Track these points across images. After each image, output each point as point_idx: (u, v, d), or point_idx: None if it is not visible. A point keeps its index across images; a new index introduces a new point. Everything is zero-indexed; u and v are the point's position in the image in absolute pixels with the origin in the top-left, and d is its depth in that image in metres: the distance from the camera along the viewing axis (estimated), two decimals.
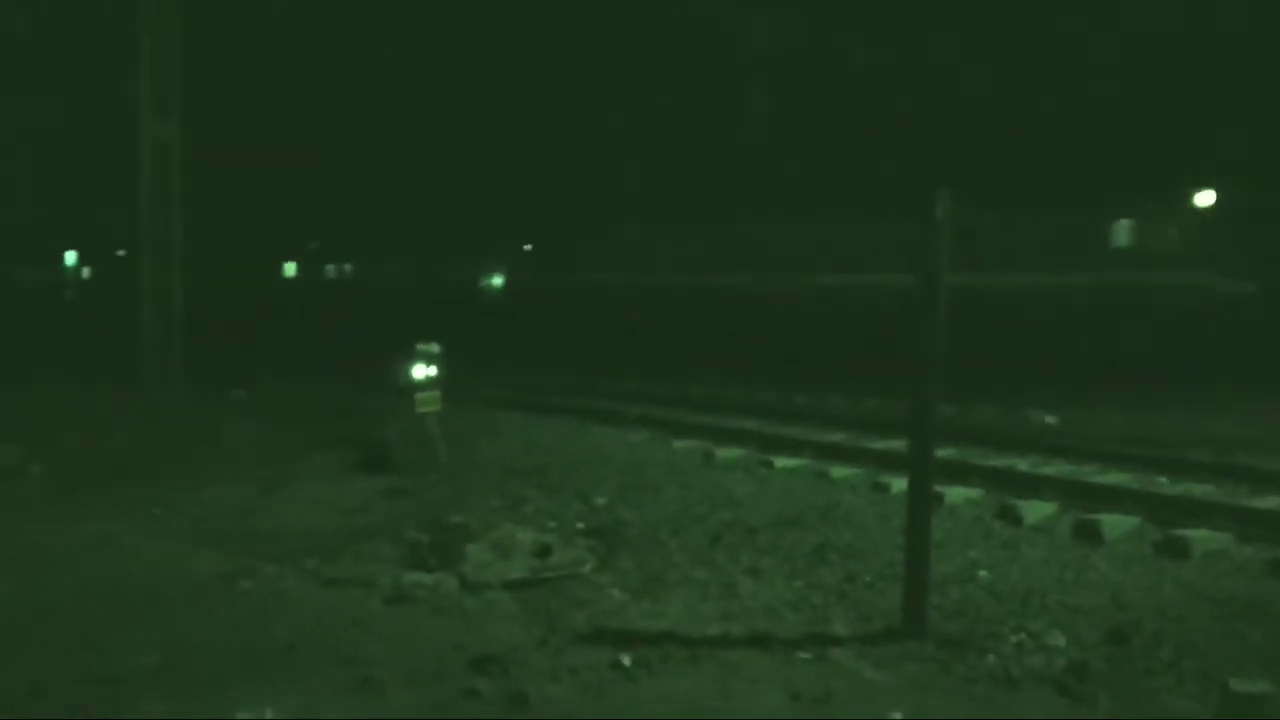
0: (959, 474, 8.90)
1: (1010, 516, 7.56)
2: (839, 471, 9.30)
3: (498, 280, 29.83)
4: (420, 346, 10.39)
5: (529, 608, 5.85)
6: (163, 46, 14.35)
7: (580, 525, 7.63)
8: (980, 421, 13.00)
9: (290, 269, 41.58)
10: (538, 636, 5.35)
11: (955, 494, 8.17)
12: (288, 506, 8.44)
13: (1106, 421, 13.01)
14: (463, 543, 6.66)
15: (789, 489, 8.74)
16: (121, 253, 43.42)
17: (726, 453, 10.28)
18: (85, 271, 43.17)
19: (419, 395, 10.20)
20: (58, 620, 5.49)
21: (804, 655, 5.17)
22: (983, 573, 6.38)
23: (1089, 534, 7.09)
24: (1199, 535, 6.94)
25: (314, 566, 6.55)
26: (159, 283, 15.16)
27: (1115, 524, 7.25)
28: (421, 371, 10.31)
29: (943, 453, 9.41)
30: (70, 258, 39.96)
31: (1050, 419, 13.45)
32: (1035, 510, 7.69)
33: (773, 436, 11.15)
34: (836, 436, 11.33)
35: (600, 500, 8.34)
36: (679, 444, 11.06)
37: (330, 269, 40.23)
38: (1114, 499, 8.00)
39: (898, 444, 10.56)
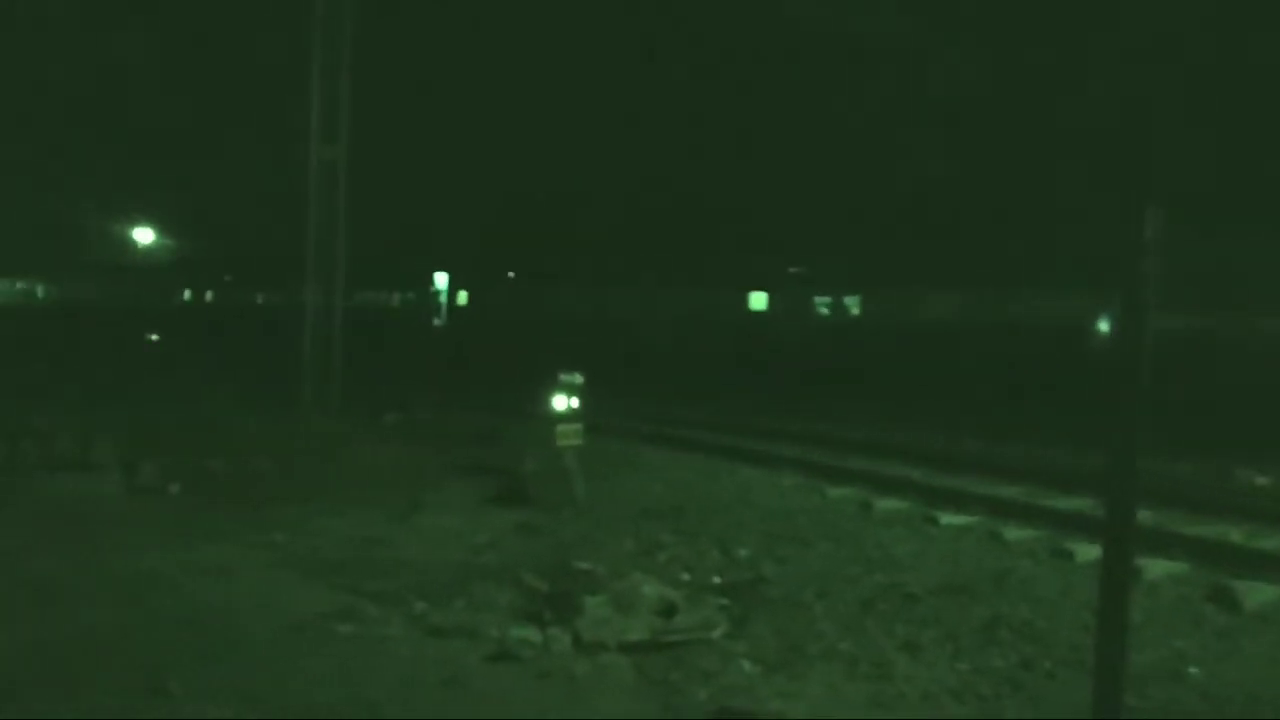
0: (1159, 543, 7.60)
1: (1225, 600, 6.36)
2: (1014, 533, 8.22)
3: (1104, 325, 22.96)
4: (562, 376, 9.91)
5: (646, 677, 5.14)
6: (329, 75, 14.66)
7: (716, 579, 6.89)
8: (1179, 479, 11.52)
9: (759, 300, 32.96)
10: (651, 715, 4.63)
11: (1155, 568, 6.99)
12: (413, 538, 8.04)
13: None
14: (583, 594, 6.01)
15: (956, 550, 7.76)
16: (511, 274, 39.79)
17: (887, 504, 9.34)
18: (462, 296, 38.74)
19: (559, 428, 9.72)
20: (139, 655, 5.11)
21: None
22: (1193, 669, 5.30)
23: None
24: None
25: (422, 611, 6.02)
26: (322, 305, 15.35)
27: None
28: (563, 403, 9.81)
29: (1137, 515, 8.22)
30: (440, 280, 35.15)
31: (1262, 479, 11.86)
32: (1257, 594, 6.44)
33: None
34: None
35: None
36: None
37: (823, 301, 31.32)
38: None
39: (1082, 502, 9.42)
